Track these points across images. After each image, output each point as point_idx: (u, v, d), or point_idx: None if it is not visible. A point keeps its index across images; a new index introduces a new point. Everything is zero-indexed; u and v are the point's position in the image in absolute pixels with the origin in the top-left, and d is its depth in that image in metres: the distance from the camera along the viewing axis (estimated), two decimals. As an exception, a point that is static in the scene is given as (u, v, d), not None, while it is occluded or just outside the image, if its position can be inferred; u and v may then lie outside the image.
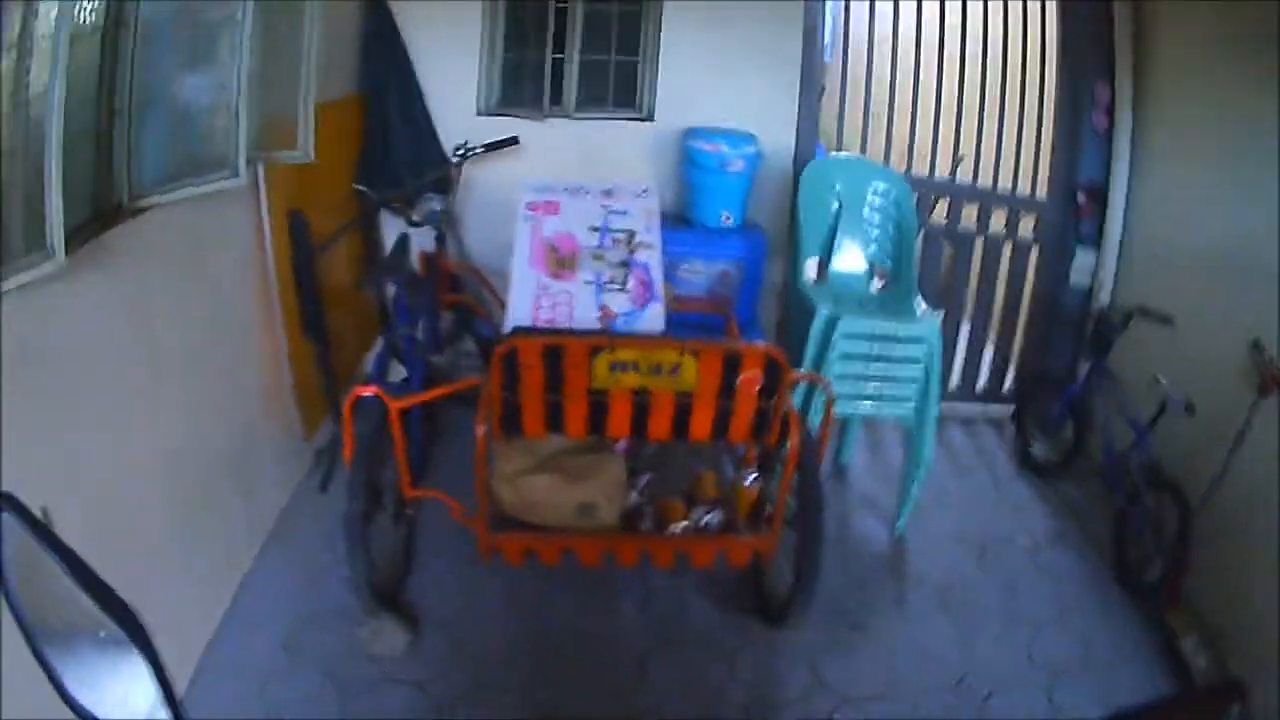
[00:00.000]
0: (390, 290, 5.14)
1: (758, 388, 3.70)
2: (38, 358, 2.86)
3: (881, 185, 5.67)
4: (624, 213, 4.48)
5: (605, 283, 4.18)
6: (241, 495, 4.57)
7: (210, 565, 4.24)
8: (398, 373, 5.01)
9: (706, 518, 4.17)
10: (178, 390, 3.86)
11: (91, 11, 3.20)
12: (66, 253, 2.78)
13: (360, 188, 5.87)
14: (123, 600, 1.25)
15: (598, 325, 4.06)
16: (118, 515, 3.37)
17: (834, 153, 6.34)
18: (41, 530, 1.38)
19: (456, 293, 5.78)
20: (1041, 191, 6.28)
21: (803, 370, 4.90)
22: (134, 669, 1.26)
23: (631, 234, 4.37)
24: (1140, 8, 5.68)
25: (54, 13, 2.67)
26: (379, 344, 5.28)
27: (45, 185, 2.71)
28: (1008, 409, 6.40)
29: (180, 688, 3.71)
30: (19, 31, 2.59)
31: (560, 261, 4.24)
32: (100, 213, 3.39)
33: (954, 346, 6.49)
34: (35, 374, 2.85)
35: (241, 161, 3.91)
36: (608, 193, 4.61)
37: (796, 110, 6.29)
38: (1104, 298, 6.00)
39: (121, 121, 3.45)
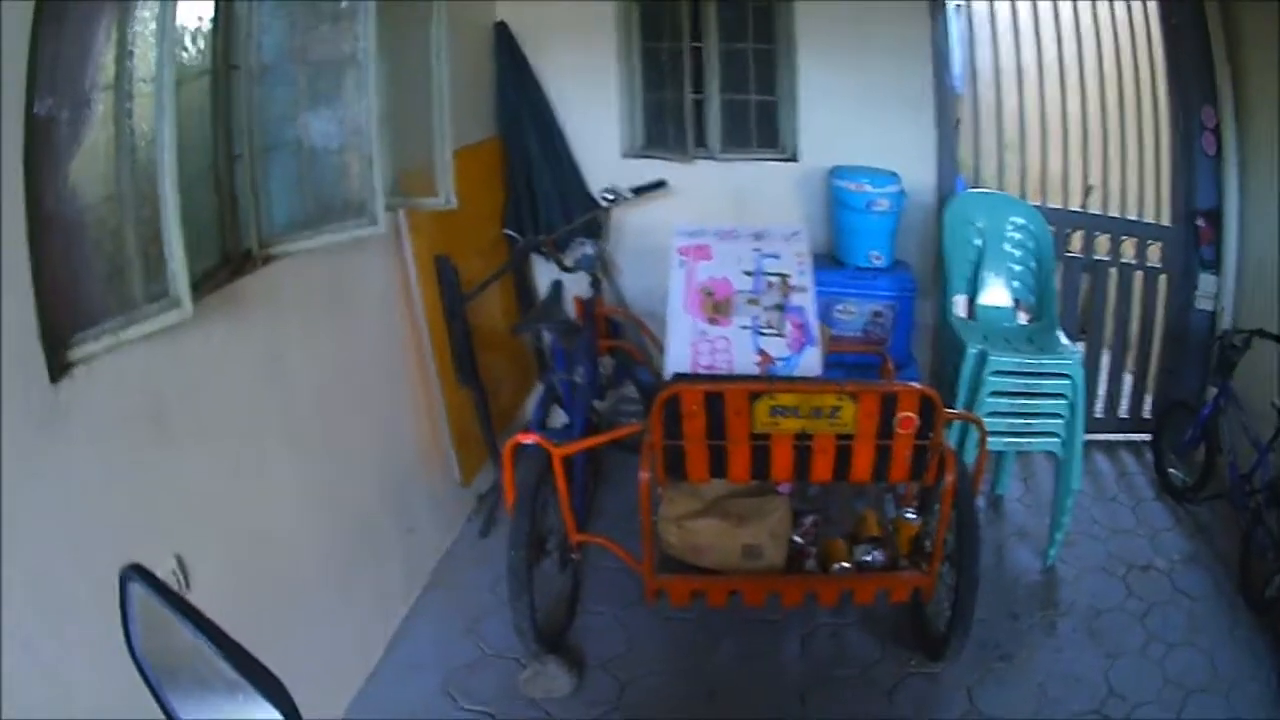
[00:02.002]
0: (547, 337, 5.20)
1: (914, 427, 3.72)
2: (170, 409, 2.93)
3: (1020, 219, 5.67)
4: (776, 256, 4.48)
5: (762, 327, 4.20)
6: (398, 541, 4.64)
7: (367, 610, 4.33)
8: (558, 418, 5.09)
9: (869, 555, 4.19)
10: (323, 438, 3.94)
11: (198, 53, 3.21)
12: (194, 302, 2.78)
13: (509, 232, 5.96)
14: (259, 662, 1.25)
15: (757, 370, 4.08)
16: (266, 561, 3.46)
17: (973, 187, 6.31)
18: (172, 596, 1.39)
19: (614, 338, 5.80)
20: (1166, 218, 6.25)
21: (956, 406, 4.95)
22: None
23: (785, 277, 4.38)
24: (1233, 31, 5.66)
25: (153, 54, 2.64)
26: (539, 390, 5.33)
27: (164, 231, 2.71)
28: (1148, 435, 6.35)
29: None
30: (115, 73, 2.59)
31: (716, 306, 4.27)
32: (228, 261, 3.41)
33: (1096, 376, 6.49)
34: (167, 425, 2.92)
35: (379, 208, 3.88)
36: (758, 235, 4.62)
37: (934, 145, 6.25)
38: (1226, 321, 5.97)
39: (243, 166, 3.48)
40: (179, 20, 2.86)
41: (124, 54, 2.61)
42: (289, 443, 3.70)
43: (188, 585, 2.93)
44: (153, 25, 2.64)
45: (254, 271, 3.49)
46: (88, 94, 2.56)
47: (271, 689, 1.24)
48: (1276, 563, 4.57)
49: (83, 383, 2.51)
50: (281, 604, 3.54)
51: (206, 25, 3.25)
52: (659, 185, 5.86)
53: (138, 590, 1.46)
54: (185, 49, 3.12)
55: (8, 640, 2.22)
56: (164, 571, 2.83)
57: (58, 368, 2.44)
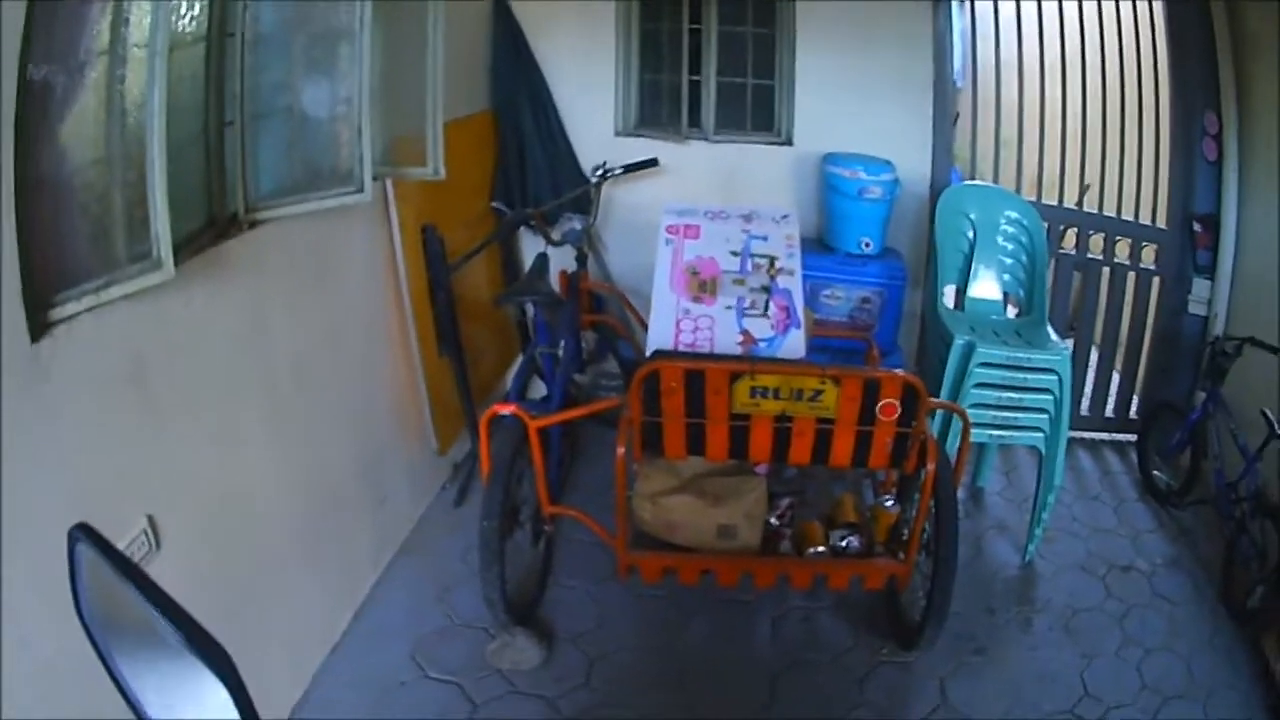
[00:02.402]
0: (530, 309, 5.19)
1: (896, 414, 3.71)
2: (149, 370, 2.93)
3: (1014, 214, 5.67)
4: (764, 238, 4.47)
5: (746, 308, 4.18)
6: (372, 507, 4.64)
7: (336, 576, 4.34)
8: (538, 390, 5.08)
9: (845, 541, 4.18)
10: (301, 403, 3.94)
11: (192, 20, 3.19)
12: (176, 264, 2.79)
13: (497, 205, 5.94)
14: (205, 631, 1.23)
15: (739, 350, 4.06)
16: (237, 525, 3.46)
17: (968, 180, 6.30)
18: (119, 559, 1.37)
19: (598, 312, 5.80)
20: (1162, 221, 6.25)
21: (940, 396, 4.94)
22: (220, 702, 1.22)
23: (772, 259, 4.37)
24: (1239, 36, 5.66)
25: (147, 20, 2.64)
26: (519, 361, 5.34)
27: (149, 194, 2.71)
28: (1134, 435, 6.35)
29: (295, 694, 3.84)
30: (110, 39, 2.59)
31: (701, 285, 4.25)
32: (213, 224, 3.41)
33: (1083, 373, 6.49)
34: (146, 386, 2.92)
35: (367, 176, 3.87)
36: (748, 217, 4.60)
37: (930, 137, 6.25)
38: (1219, 327, 5.97)
39: (233, 133, 3.47)
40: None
41: (120, 20, 2.61)
42: (267, 407, 3.70)
43: (158, 546, 2.93)
44: None
45: (239, 235, 3.48)
46: (82, 59, 2.56)
47: (217, 659, 1.22)
48: (1260, 572, 4.58)
49: (63, 342, 2.52)
50: (250, 568, 3.54)
51: None
52: (650, 163, 5.81)
53: (85, 551, 1.44)
54: (181, 16, 3.11)
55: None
56: (135, 531, 2.84)
57: (39, 327, 2.45)
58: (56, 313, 2.50)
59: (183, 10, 3.12)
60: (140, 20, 2.63)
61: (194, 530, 3.13)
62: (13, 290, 2.31)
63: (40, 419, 2.46)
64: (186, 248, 3.08)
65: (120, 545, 2.65)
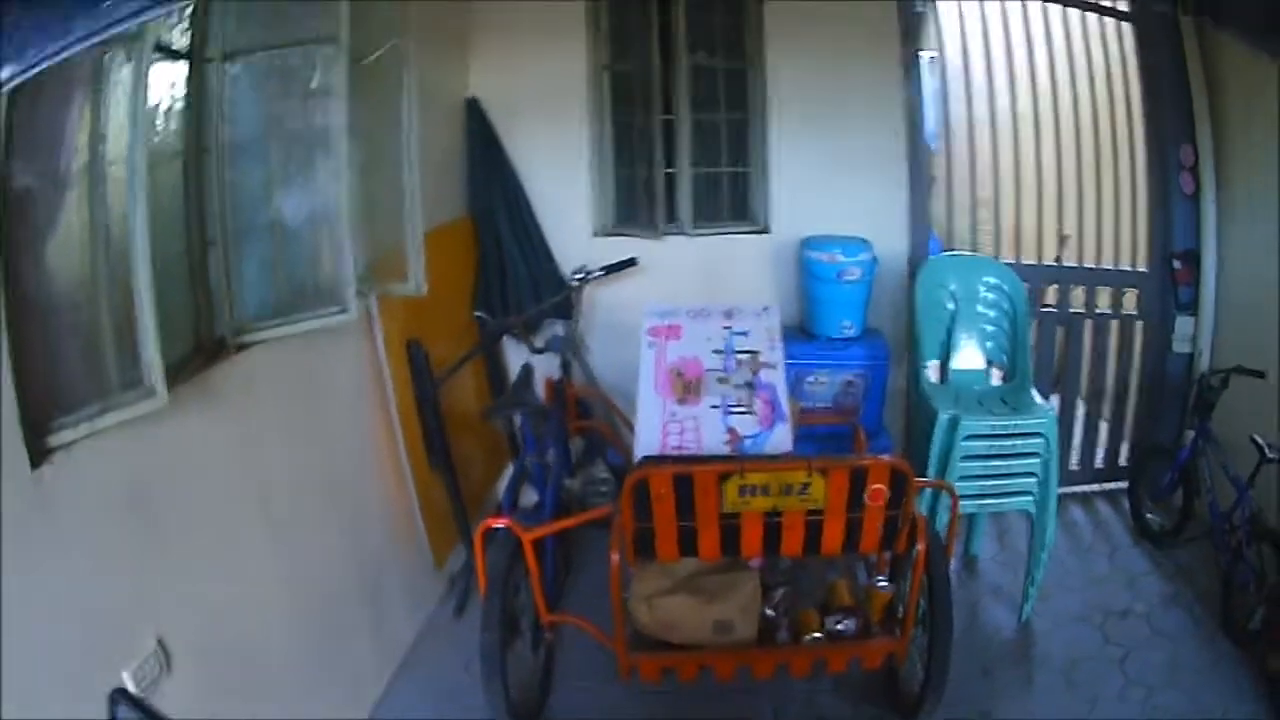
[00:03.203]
0: (518, 420, 5.23)
1: (885, 499, 3.75)
2: (148, 495, 2.97)
3: (994, 279, 5.73)
4: (746, 333, 4.51)
5: (731, 406, 4.22)
6: (372, 622, 4.65)
7: (342, 692, 4.33)
8: (530, 496, 5.11)
9: (841, 625, 4.20)
10: (298, 522, 3.97)
11: (170, 133, 3.27)
12: (168, 390, 2.85)
13: (479, 314, 5.98)
14: None
15: (726, 449, 4.09)
16: (242, 644, 3.48)
17: (946, 248, 6.38)
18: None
19: (584, 418, 5.84)
20: (1141, 263, 6.30)
21: (929, 470, 5.00)
22: None
23: (755, 355, 4.41)
24: (1212, 68, 5.76)
25: (126, 137, 2.69)
26: (510, 471, 5.35)
27: (138, 320, 2.77)
28: (1124, 483, 6.38)
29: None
30: (89, 156, 2.64)
31: (686, 386, 4.29)
32: (201, 348, 3.46)
33: (1071, 428, 6.54)
34: (146, 511, 2.96)
35: (351, 295, 3.91)
36: (729, 314, 4.64)
37: (907, 207, 6.30)
38: (1204, 362, 6.03)
39: (216, 252, 3.52)
40: (151, 98, 2.91)
41: (97, 136, 2.66)
42: (264, 528, 3.74)
43: (169, 667, 2.97)
44: (126, 106, 2.69)
45: (228, 359, 3.54)
46: (63, 175, 2.61)
47: None
48: (1258, 595, 4.64)
49: (62, 468, 2.56)
50: (258, 689, 3.56)
51: (180, 105, 3.32)
52: (630, 263, 5.89)
53: (126, 714, 1.49)
54: (158, 129, 3.17)
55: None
56: (146, 652, 2.88)
57: (38, 454, 2.49)
58: (54, 439, 2.55)
59: (158, 124, 3.18)
60: (119, 135, 2.68)
61: (201, 651, 3.16)
62: (10, 417, 2.37)
63: (45, 545, 2.50)
64: (177, 373, 3.14)
65: (133, 666, 2.78)
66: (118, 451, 2.81)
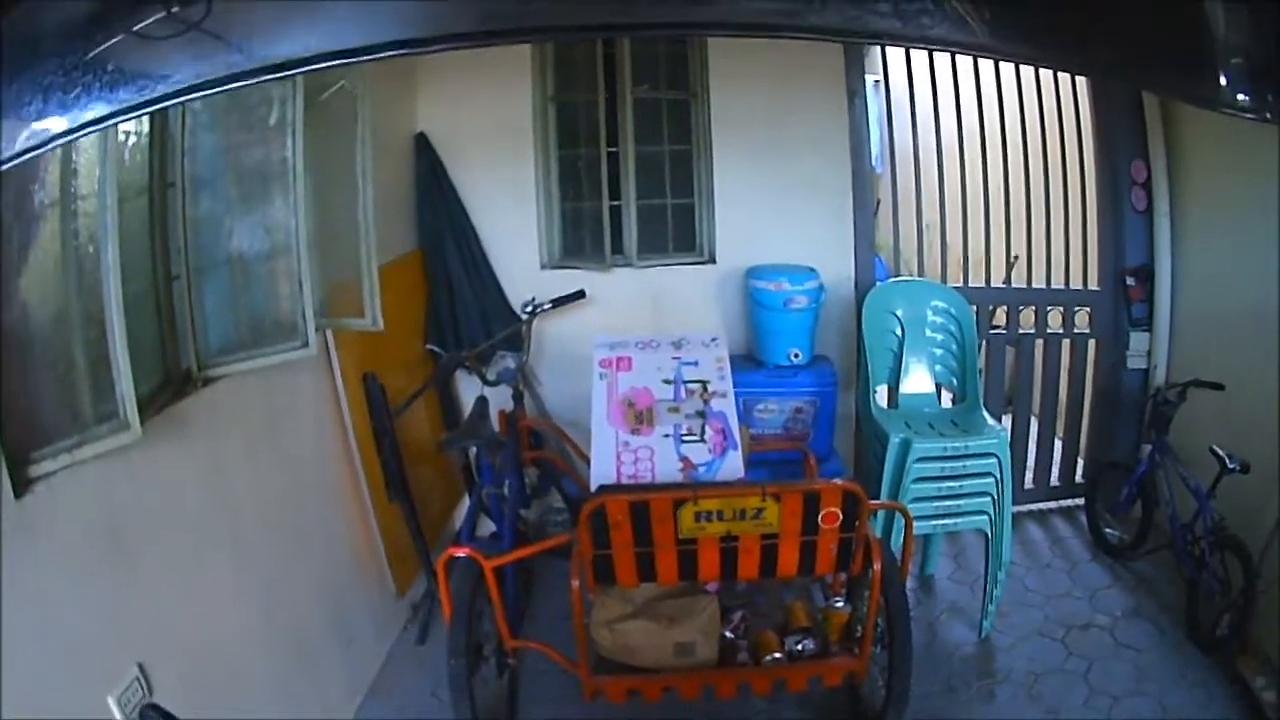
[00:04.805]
0: (473, 452, 5.28)
1: (838, 522, 3.81)
2: (125, 523, 3.03)
3: (941, 303, 5.80)
4: (695, 363, 4.56)
5: (683, 435, 4.27)
6: (338, 651, 4.69)
7: (314, 717, 4.35)
8: (487, 526, 5.16)
9: (800, 645, 4.26)
10: (267, 551, 4.05)
11: (135, 168, 3.31)
12: (140, 422, 2.90)
13: (432, 348, 6.01)
14: None
15: (680, 477, 4.14)
16: (215, 672, 3.52)
17: (893, 273, 6.42)
18: None
19: (537, 448, 5.86)
20: (1093, 281, 6.34)
21: (882, 493, 5.06)
22: None
23: (704, 384, 4.46)
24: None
25: (97, 173, 2.73)
26: (468, 502, 5.38)
27: (111, 354, 2.82)
28: (1081, 499, 6.46)
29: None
30: (60, 191, 2.68)
31: (638, 416, 4.33)
32: (170, 381, 3.52)
33: (1025, 447, 6.58)
34: (123, 538, 3.03)
35: (310, 330, 3.98)
36: (678, 344, 4.68)
37: (852, 233, 6.32)
38: (1160, 376, 6.08)
39: (180, 287, 3.57)
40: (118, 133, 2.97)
41: (69, 171, 2.70)
42: (234, 556, 3.81)
43: (151, 693, 3.01)
44: (96, 141, 2.72)
45: (195, 393, 3.61)
46: (36, 210, 2.65)
47: None
48: (1224, 601, 4.72)
49: (44, 499, 2.63)
50: (234, 713, 3.60)
51: (144, 139, 3.36)
52: (578, 295, 5.91)
53: None
54: (124, 164, 3.22)
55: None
56: (129, 679, 2.93)
57: (21, 484, 2.55)
58: (35, 469, 2.61)
59: (125, 159, 3.23)
60: (89, 171, 2.73)
61: (178, 677, 3.20)
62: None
63: (30, 572, 2.55)
64: (148, 406, 3.19)
65: (117, 693, 2.83)
66: (95, 482, 2.87)
